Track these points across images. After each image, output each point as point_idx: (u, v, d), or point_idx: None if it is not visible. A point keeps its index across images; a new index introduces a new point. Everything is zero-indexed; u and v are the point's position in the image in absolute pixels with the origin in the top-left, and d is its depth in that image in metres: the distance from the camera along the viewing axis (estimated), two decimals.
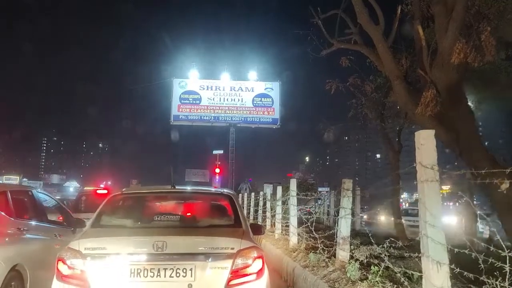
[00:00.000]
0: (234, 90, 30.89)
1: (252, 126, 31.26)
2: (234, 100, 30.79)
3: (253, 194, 16.20)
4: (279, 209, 9.76)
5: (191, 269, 3.03)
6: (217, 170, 29.96)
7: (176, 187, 4.07)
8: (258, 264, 3.16)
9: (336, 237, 5.28)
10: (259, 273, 3.15)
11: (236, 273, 3.08)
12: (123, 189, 4.18)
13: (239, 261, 3.10)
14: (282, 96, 31.32)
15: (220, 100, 30.67)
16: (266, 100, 30.97)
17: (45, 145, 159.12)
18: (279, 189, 10.05)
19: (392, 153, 9.70)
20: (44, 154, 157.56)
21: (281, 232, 9.61)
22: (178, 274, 3.02)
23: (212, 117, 30.57)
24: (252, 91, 30.99)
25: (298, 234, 7.75)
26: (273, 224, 10.79)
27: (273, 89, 31.13)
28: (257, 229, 4.06)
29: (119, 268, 3.02)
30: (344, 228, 5.19)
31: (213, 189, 4.47)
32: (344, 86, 8.86)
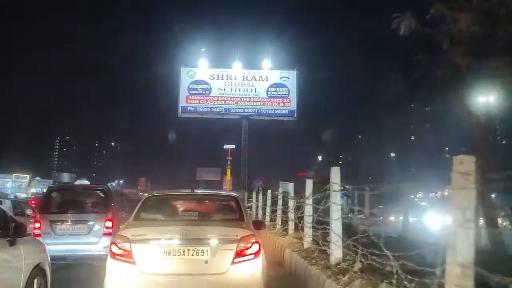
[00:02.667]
0: (247, 80, 28.44)
1: (266, 118, 28.79)
2: (246, 90, 28.35)
3: (269, 191, 13.61)
4: (309, 209, 7.34)
5: (207, 250, 4.03)
6: (229, 167, 27.64)
7: (195, 190, 5.13)
8: (255, 247, 4.13)
9: (446, 266, 2.80)
10: (256, 254, 4.13)
11: (239, 254, 4.06)
12: (154, 192, 5.50)
13: (242, 245, 4.09)
14: (299, 86, 28.77)
15: (231, 91, 28.27)
16: (281, 90, 28.44)
17: (57, 144, 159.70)
18: (309, 183, 7.62)
19: (478, 129, 7.12)
20: (57, 153, 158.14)
21: (312, 240, 7.19)
22: (197, 254, 4.02)
23: (223, 109, 28.18)
24: (267, 80, 28.49)
25: (344, 247, 5.33)
26: (300, 228, 8.38)
27: (289, 78, 28.57)
28: (259, 224, 5.00)
29: (156, 249, 4.04)
30: (464, 245, 2.72)
31: (223, 192, 5.93)
32: (421, 22, 6.26)
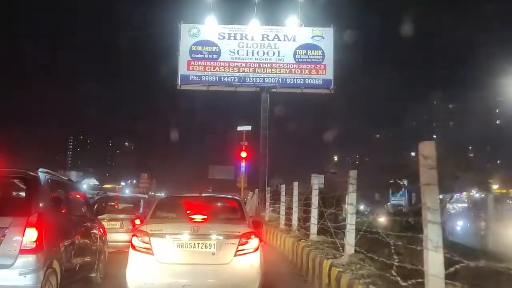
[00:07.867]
0: (268, 40, 21.51)
1: (293, 91, 21.83)
2: (267, 53, 21.41)
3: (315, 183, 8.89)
4: None
5: (214, 244, 4.88)
6: (243, 154, 20.75)
7: (202, 194, 6.48)
8: (255, 242, 4.97)
9: None
10: (255, 248, 4.95)
11: (241, 247, 4.87)
12: (168, 194, 7.05)
13: (243, 240, 4.91)
14: (337, 47, 21.65)
15: (247, 54, 21.37)
16: (313, 53, 21.43)
17: (71, 143, 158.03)
18: None
19: None
20: (70, 152, 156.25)
21: None
22: (205, 247, 4.86)
23: (236, 78, 21.33)
24: (294, 40, 21.51)
25: None
26: None
27: (324, 37, 21.52)
28: (257, 224, 5.97)
29: (171, 242, 4.89)
30: None
31: (228, 196, 6.75)
32: None
